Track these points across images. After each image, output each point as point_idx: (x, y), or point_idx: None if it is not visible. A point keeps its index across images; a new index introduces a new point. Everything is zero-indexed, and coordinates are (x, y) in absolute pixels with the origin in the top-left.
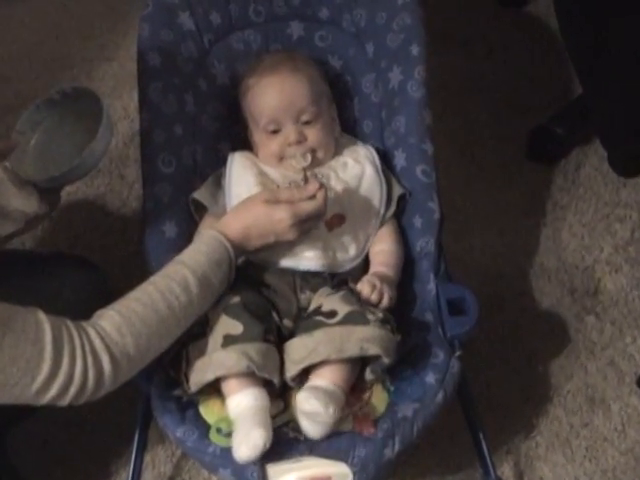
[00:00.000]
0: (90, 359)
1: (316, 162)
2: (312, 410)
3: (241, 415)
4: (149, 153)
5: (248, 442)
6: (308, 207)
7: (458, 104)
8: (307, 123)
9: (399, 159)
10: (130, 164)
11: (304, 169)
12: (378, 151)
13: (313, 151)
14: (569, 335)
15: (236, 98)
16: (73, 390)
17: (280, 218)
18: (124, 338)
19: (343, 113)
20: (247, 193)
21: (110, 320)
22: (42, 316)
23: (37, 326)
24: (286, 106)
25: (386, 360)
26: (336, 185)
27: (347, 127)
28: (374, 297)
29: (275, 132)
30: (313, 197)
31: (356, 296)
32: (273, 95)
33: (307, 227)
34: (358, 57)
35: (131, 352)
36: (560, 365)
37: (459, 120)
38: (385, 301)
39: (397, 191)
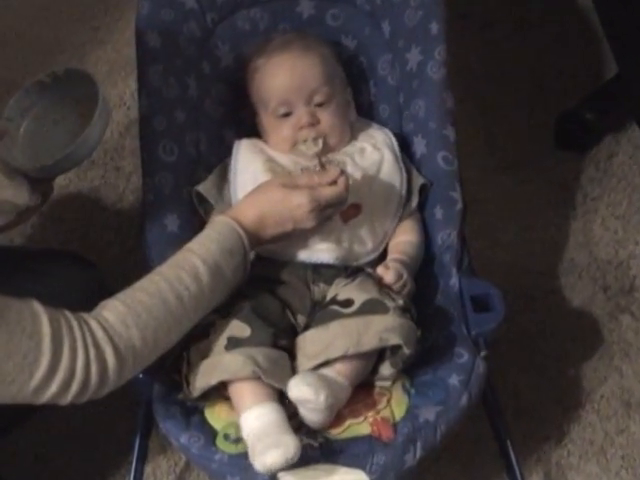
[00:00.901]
0: (93, 352)
1: (330, 147)
2: (301, 397)
3: (265, 426)
4: (149, 141)
5: (278, 448)
6: (329, 192)
7: (479, 88)
8: (320, 105)
9: (419, 145)
10: (126, 155)
11: (318, 155)
12: (396, 137)
13: (326, 135)
14: (602, 335)
15: (242, 81)
16: (75, 386)
17: (299, 203)
18: (129, 330)
19: (358, 97)
20: (253, 181)
21: (114, 310)
22: (38, 307)
23: (33, 318)
24: (298, 87)
25: (407, 351)
26: (352, 173)
27: (362, 112)
28: (397, 286)
29: (286, 115)
30: (334, 183)
31: (374, 281)
32: (284, 75)
33: (326, 215)
34: (373, 37)
35: (137, 345)
36: (593, 367)
37: (480, 105)
38: (405, 291)
39: (418, 181)
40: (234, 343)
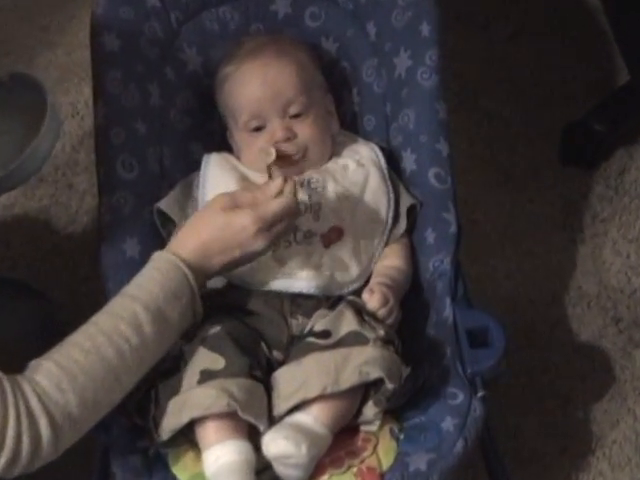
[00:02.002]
0: (25, 422)
1: (308, 163)
2: (281, 453)
3: (221, 473)
4: (106, 155)
5: None
6: (275, 206)
7: (477, 96)
8: (296, 116)
9: (408, 161)
10: (80, 171)
11: (269, 166)
12: (382, 152)
13: (305, 149)
14: (614, 373)
15: (210, 89)
16: (3, 459)
17: (242, 225)
18: (65, 395)
19: (339, 107)
20: None
21: (47, 374)
22: None
23: None
24: (270, 97)
25: (390, 385)
26: (334, 192)
27: (344, 123)
28: (383, 312)
29: (258, 129)
30: (280, 194)
31: (354, 310)
32: (254, 85)
33: (280, 232)
34: (357, 39)
35: (75, 412)
36: (603, 409)
37: (478, 115)
38: (392, 319)
39: (406, 201)
40: (207, 376)
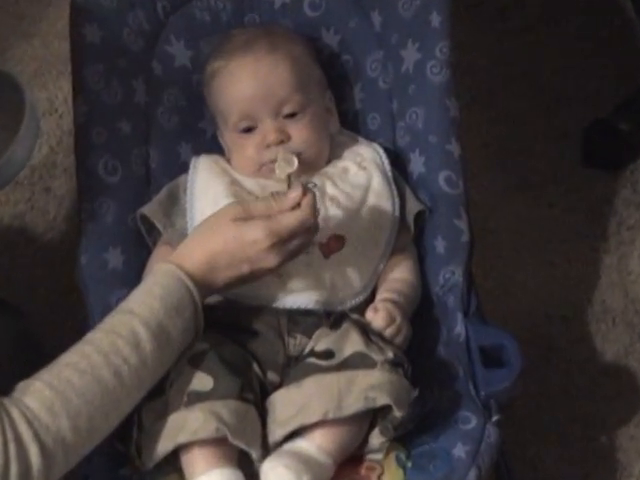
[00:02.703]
0: (13, 450)
1: (305, 168)
2: None
3: None
4: (86, 157)
5: None
6: (290, 220)
7: (491, 93)
8: (291, 116)
9: (416, 164)
10: (58, 174)
11: (289, 176)
12: (388, 153)
13: (299, 153)
14: None
15: (200, 85)
16: None
17: (254, 239)
18: (57, 420)
19: (341, 104)
20: (214, 208)
21: (38, 396)
22: None
23: None
24: (262, 96)
25: (398, 413)
26: (333, 198)
27: (346, 122)
28: (390, 331)
29: (249, 130)
30: (297, 207)
31: (359, 329)
32: (245, 82)
33: (294, 250)
34: (361, 30)
35: (68, 438)
36: (630, 435)
37: (492, 114)
38: (400, 338)
39: (413, 207)
40: (194, 398)
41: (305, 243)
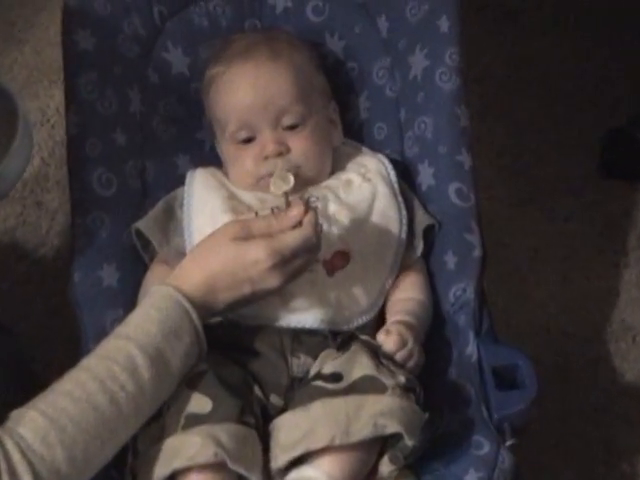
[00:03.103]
0: None
1: (304, 181)
2: None
3: None
4: (80, 170)
5: None
6: (292, 239)
7: (503, 100)
8: (291, 128)
9: (425, 175)
10: (51, 187)
11: (286, 193)
12: (396, 164)
13: (299, 167)
14: None
15: (199, 94)
16: None
17: (256, 259)
18: (52, 450)
19: (346, 114)
20: (212, 224)
21: (32, 425)
22: None
23: None
24: (261, 105)
25: (409, 442)
26: (337, 212)
27: (351, 132)
28: (401, 355)
29: (248, 141)
30: (299, 225)
31: (370, 351)
32: (244, 90)
33: (297, 269)
34: (367, 36)
35: (63, 469)
36: None
37: (505, 122)
38: (412, 363)
39: (422, 221)
40: (192, 421)
41: (308, 262)
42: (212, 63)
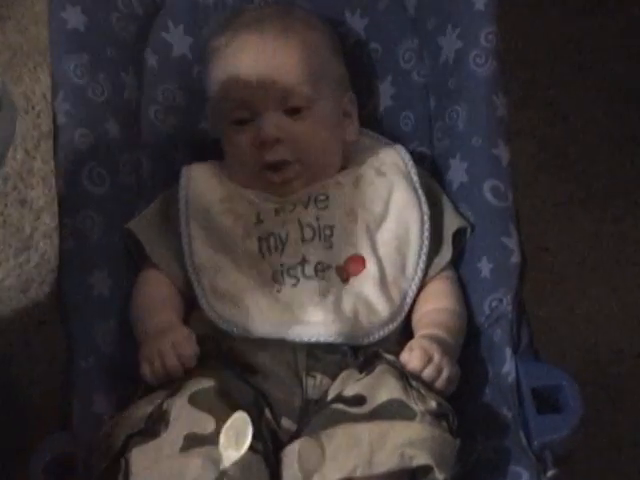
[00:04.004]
0: None
1: (306, 176)
2: None
3: None
4: (69, 164)
5: None
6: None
7: (547, 87)
8: (295, 112)
9: (457, 171)
10: (35, 183)
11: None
12: (424, 159)
13: (300, 159)
14: None
15: (202, 79)
16: None
17: None
18: None
19: (368, 101)
20: (209, 228)
21: None
22: None
23: None
24: (263, 82)
25: (440, 475)
26: (348, 212)
27: (374, 122)
28: (428, 373)
29: (245, 122)
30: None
31: (397, 372)
32: (246, 64)
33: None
34: (392, 13)
35: None
36: None
37: (548, 112)
38: (443, 380)
39: (452, 223)
40: (193, 442)
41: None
42: (217, 33)
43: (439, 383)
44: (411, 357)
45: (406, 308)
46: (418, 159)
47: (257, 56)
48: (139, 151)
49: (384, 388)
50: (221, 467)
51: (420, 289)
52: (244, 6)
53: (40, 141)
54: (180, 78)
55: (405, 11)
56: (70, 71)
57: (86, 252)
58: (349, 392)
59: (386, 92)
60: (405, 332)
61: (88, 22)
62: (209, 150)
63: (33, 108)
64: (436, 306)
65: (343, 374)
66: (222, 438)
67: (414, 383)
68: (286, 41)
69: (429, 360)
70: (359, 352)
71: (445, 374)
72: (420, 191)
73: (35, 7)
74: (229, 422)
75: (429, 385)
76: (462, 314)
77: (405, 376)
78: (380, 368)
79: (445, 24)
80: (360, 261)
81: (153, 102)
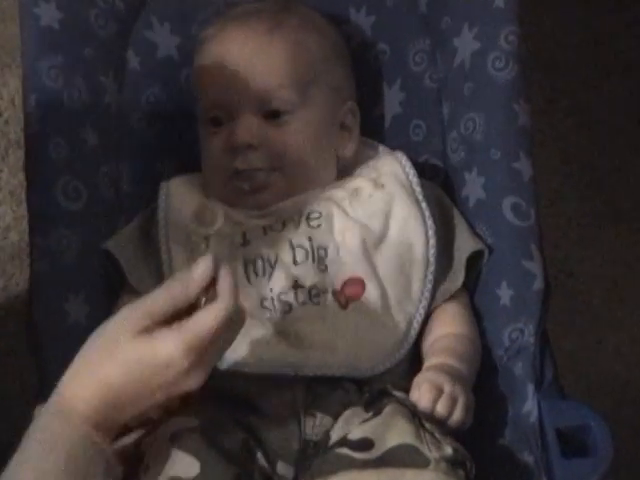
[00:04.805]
0: None
1: (285, 189)
2: None
3: None
4: (41, 177)
5: None
6: (207, 324)
7: (574, 93)
8: (275, 116)
9: (473, 187)
10: (2, 198)
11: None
12: (436, 172)
13: (275, 167)
14: None
15: (190, 83)
16: None
17: (167, 361)
18: None
19: (375, 107)
20: (189, 250)
21: None
22: None
23: None
24: (243, 81)
25: None
26: (345, 230)
27: (381, 131)
28: (442, 406)
29: (220, 123)
30: (211, 288)
31: (409, 413)
32: (226, 59)
33: (220, 352)
34: (402, 10)
35: None
36: None
37: (576, 121)
38: (460, 411)
39: (467, 245)
40: None
41: (230, 340)
42: (207, 26)
43: (457, 415)
44: (421, 394)
45: (413, 334)
46: (430, 173)
47: (238, 53)
48: (119, 162)
49: (394, 431)
50: None
51: (428, 314)
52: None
53: (8, 151)
54: (165, 82)
55: (416, 8)
56: (43, 73)
57: (60, 275)
58: (355, 435)
59: (395, 98)
60: (414, 362)
61: (63, 19)
62: (197, 161)
63: (0, 115)
64: (445, 331)
65: (347, 412)
66: None
67: (428, 425)
68: (273, 37)
69: (439, 393)
70: (364, 387)
71: (461, 403)
72: (424, 204)
73: (3, 2)
74: None
75: (445, 421)
76: (475, 339)
77: (418, 417)
78: (390, 408)
79: (461, 23)
80: (359, 284)
81: (135, 108)
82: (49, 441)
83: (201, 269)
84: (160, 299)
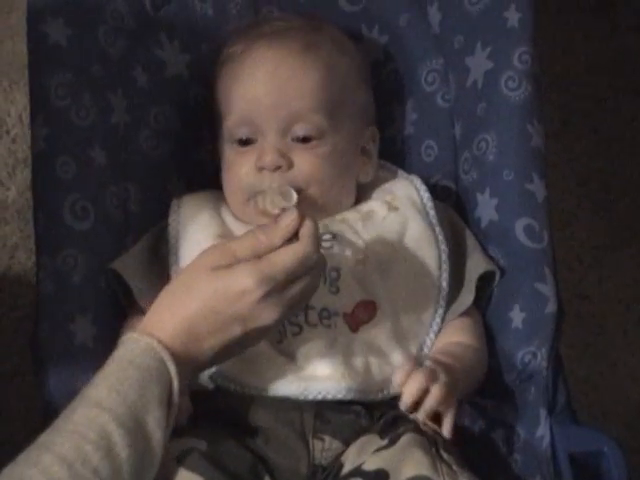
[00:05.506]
0: None
1: (312, 210)
2: None
3: None
4: (48, 196)
5: None
6: (285, 258)
7: (589, 114)
8: (304, 141)
9: (485, 208)
10: (9, 217)
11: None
12: (448, 193)
13: (299, 190)
14: None
15: (200, 102)
16: None
17: (242, 289)
18: None
19: (387, 128)
20: None
21: None
22: None
23: None
24: (273, 101)
25: None
26: (357, 253)
27: (393, 152)
28: (418, 378)
29: (248, 143)
30: (294, 239)
31: (425, 444)
32: (256, 78)
33: (296, 297)
34: (415, 30)
35: None
36: None
37: (590, 142)
38: (437, 391)
39: (478, 266)
40: None
41: (309, 287)
42: (233, 40)
43: (435, 391)
44: (408, 385)
45: (424, 359)
46: (442, 194)
47: (269, 70)
48: (127, 182)
49: (410, 462)
50: None
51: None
52: (275, 14)
53: (15, 169)
54: (175, 100)
55: (429, 27)
56: (51, 91)
57: (67, 296)
58: (370, 466)
59: (406, 118)
60: None
61: (71, 36)
62: (207, 182)
63: (7, 132)
64: (449, 340)
65: (362, 439)
66: (267, 203)
67: (445, 456)
68: (305, 58)
69: (433, 379)
70: (374, 411)
71: (442, 381)
72: (438, 228)
73: (11, 18)
74: (274, 186)
75: (424, 395)
76: (479, 350)
77: (435, 447)
78: (406, 437)
79: (474, 42)
80: (370, 307)
81: (144, 127)
82: (133, 362)
83: (287, 219)
84: (244, 242)
